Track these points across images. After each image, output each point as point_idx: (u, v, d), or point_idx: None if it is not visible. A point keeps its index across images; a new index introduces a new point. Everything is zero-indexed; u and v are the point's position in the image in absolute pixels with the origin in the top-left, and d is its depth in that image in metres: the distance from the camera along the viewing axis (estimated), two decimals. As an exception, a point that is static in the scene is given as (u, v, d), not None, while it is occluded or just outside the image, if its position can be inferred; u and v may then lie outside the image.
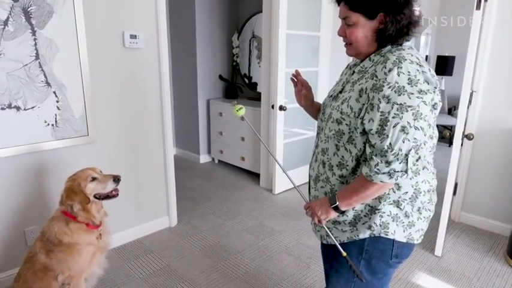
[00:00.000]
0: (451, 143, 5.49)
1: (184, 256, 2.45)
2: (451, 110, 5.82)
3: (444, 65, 5.82)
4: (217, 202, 3.28)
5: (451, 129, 5.68)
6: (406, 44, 1.09)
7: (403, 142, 0.98)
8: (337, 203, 1.14)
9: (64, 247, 1.72)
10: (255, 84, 4.31)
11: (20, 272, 1.79)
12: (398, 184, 1.09)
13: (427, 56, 6.26)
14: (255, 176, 3.92)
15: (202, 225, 2.86)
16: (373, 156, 1.03)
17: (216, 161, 4.51)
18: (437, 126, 5.79)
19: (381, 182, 1.03)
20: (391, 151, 0.99)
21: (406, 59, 0.99)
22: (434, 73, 1.04)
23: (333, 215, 1.18)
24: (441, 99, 1.06)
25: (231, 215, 3.02)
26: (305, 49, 3.56)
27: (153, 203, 2.74)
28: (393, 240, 1.15)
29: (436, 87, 1.00)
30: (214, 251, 2.51)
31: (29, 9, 1.89)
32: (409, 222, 1.14)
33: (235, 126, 4.05)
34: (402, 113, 0.96)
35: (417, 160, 1.02)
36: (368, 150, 1.05)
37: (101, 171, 1.83)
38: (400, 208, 1.13)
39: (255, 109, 3.72)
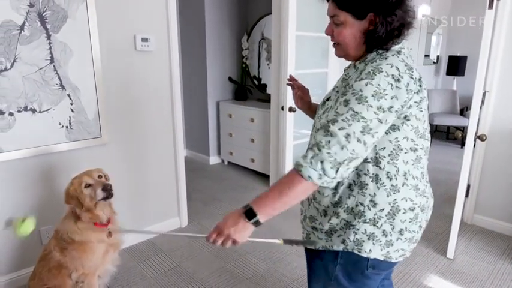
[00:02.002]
0: (463, 144, 5.43)
1: (194, 256, 2.47)
2: (463, 111, 5.75)
3: (456, 65, 5.76)
4: (227, 203, 3.30)
5: (463, 130, 5.62)
6: (395, 48, 1.02)
7: (342, 149, 0.92)
8: (257, 216, 0.99)
9: (76, 245, 1.75)
10: (265, 85, 4.33)
11: (35, 270, 1.84)
12: (373, 201, 1.03)
13: (438, 57, 6.20)
14: (264, 177, 3.93)
15: (212, 226, 2.85)
16: (311, 148, 0.96)
17: (226, 163, 4.53)
18: (448, 127, 5.75)
19: (309, 177, 0.94)
20: (328, 149, 0.92)
21: (382, 71, 0.93)
22: (418, 84, 0.97)
23: (250, 231, 1.03)
24: (427, 107, 1.03)
25: (241, 216, 3.02)
26: (314, 50, 3.56)
27: (164, 203, 2.77)
28: (367, 259, 1.07)
29: (406, 101, 0.94)
30: (224, 252, 2.53)
31: (44, 14, 1.94)
32: (387, 241, 1.06)
33: (245, 128, 4.07)
34: (353, 121, 0.92)
35: (345, 171, 0.95)
36: (310, 142, 1.01)
37: (99, 176, 1.77)
38: (377, 226, 1.05)
39: (265, 111, 3.73)
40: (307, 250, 1.25)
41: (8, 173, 2.00)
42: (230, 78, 4.46)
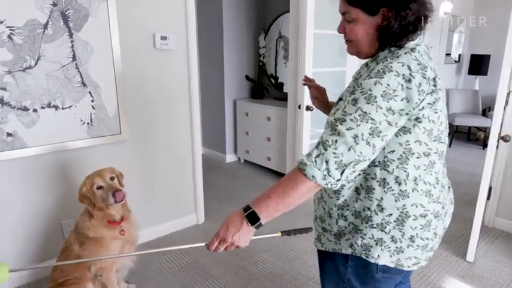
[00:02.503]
0: (485, 146, 5.29)
1: (210, 253, 2.49)
2: (485, 111, 5.60)
3: (479, 64, 5.61)
4: (243, 201, 3.31)
5: (485, 130, 5.48)
6: (409, 45, 0.97)
7: (348, 150, 0.88)
8: (260, 220, 0.96)
9: (92, 240, 1.79)
10: (281, 84, 4.32)
11: (57, 261, 1.89)
12: (380, 206, 1.00)
13: (460, 55, 6.05)
14: (280, 176, 3.93)
15: (228, 223, 2.89)
16: (316, 147, 0.92)
17: (242, 161, 4.55)
18: (469, 128, 5.62)
19: (313, 177, 0.90)
20: (335, 149, 0.88)
21: (392, 70, 0.89)
22: (431, 84, 0.92)
23: (252, 233, 1.00)
24: (443, 108, 0.97)
25: (257, 214, 3.04)
26: (332, 49, 3.53)
27: (181, 200, 2.80)
28: (376, 264, 1.04)
29: (417, 103, 0.90)
30: (240, 249, 2.53)
31: (66, 13, 1.98)
32: (397, 247, 1.02)
33: (261, 126, 4.07)
34: (362, 122, 0.88)
35: (351, 173, 0.91)
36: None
37: (112, 178, 1.78)
38: (385, 232, 1.01)
39: (281, 109, 3.73)
40: (319, 251, 1.23)
41: (32, 168, 2.06)
42: (247, 77, 4.47)
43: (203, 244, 1.06)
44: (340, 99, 1.08)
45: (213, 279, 2.21)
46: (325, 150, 0.90)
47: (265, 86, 4.45)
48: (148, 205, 2.60)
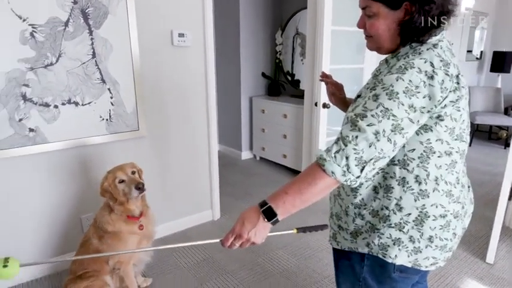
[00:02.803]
0: (506, 145, 5.15)
1: (226, 249, 2.50)
2: (508, 110, 5.45)
3: (501, 62, 5.45)
4: (258, 198, 3.29)
5: (507, 129, 5.33)
6: (432, 40, 0.94)
7: (369, 147, 0.87)
8: (277, 216, 0.95)
9: (111, 234, 1.82)
10: (298, 81, 4.30)
11: (76, 255, 1.93)
12: (399, 205, 0.98)
13: (481, 52, 5.90)
14: (296, 173, 3.91)
15: (243, 220, 2.91)
16: (336, 142, 0.90)
17: (258, 158, 4.55)
18: (491, 127, 5.48)
19: (332, 173, 0.88)
20: (355, 145, 0.87)
21: (414, 67, 0.87)
22: (455, 82, 0.90)
23: (268, 230, 0.99)
24: (466, 106, 0.94)
25: (272, 212, 3.04)
26: (350, 45, 3.49)
27: (197, 196, 2.82)
28: (393, 264, 1.02)
29: (440, 101, 0.88)
30: (255, 246, 2.54)
31: (86, 11, 2.02)
32: (415, 247, 1.00)
33: (277, 124, 4.07)
34: (383, 118, 0.86)
35: (371, 171, 0.90)
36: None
37: (133, 172, 1.81)
38: (403, 232, 0.99)
39: (298, 106, 3.71)
40: (334, 250, 1.22)
41: (53, 163, 2.11)
42: (263, 74, 4.46)
43: (217, 240, 1.04)
44: (359, 96, 1.06)
45: (228, 275, 2.23)
46: (345, 146, 0.88)
47: (281, 83, 4.44)
48: (165, 201, 2.63)
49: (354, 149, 0.87)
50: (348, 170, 0.88)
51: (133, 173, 1.82)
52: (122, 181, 1.77)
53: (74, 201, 2.23)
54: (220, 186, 3.04)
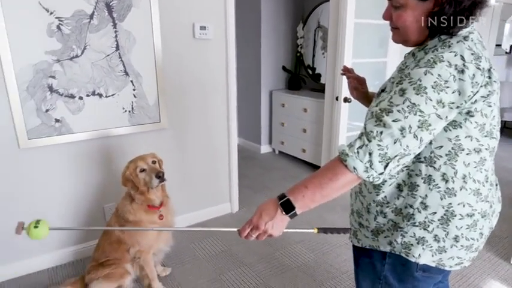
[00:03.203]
0: (536, 143, 4.96)
1: (244, 242, 2.52)
2: (538, 107, 5.24)
3: (532, 56, 5.23)
4: (276, 192, 3.28)
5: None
6: (462, 32, 0.90)
7: (394, 143, 0.84)
8: (295, 209, 0.94)
9: (132, 223, 1.86)
10: (319, 75, 4.25)
11: (99, 243, 1.99)
12: (424, 203, 0.95)
13: (511, 46, 5.66)
14: (315, 168, 3.89)
15: (262, 213, 2.92)
16: (359, 138, 0.88)
17: (277, 152, 4.54)
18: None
19: (354, 169, 0.86)
20: (380, 141, 0.84)
21: (443, 60, 0.83)
22: (486, 76, 0.85)
23: (286, 223, 0.98)
24: (497, 101, 0.90)
25: (291, 206, 3.04)
26: (372, 39, 3.42)
27: (216, 189, 2.85)
28: (417, 263, 1.00)
29: (470, 96, 0.84)
30: (273, 240, 2.55)
31: (111, 3, 2.05)
32: (440, 247, 0.98)
33: (297, 118, 4.04)
34: (410, 113, 0.83)
35: (395, 167, 0.87)
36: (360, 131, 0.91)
37: (153, 162, 1.84)
38: (428, 231, 0.97)
39: (318, 101, 3.67)
40: (354, 247, 1.20)
41: (77, 153, 2.16)
42: (284, 67, 4.43)
43: (235, 229, 1.05)
44: (383, 90, 1.03)
45: (246, 267, 2.24)
46: (369, 141, 0.85)
47: (302, 77, 4.40)
48: (185, 192, 2.67)
49: (378, 145, 0.85)
50: (370, 166, 0.86)
51: (153, 162, 1.85)
52: (142, 170, 1.80)
53: (97, 191, 2.29)
54: (239, 179, 3.05)
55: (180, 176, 2.61)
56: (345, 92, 3.15)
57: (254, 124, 4.59)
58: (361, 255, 1.16)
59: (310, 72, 4.35)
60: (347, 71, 1.40)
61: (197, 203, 2.76)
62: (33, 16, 1.85)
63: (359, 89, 1.39)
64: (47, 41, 1.92)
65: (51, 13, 1.89)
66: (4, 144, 1.94)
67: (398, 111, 0.84)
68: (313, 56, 4.27)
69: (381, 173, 0.87)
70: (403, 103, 0.84)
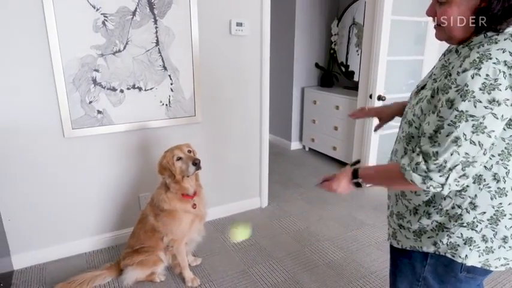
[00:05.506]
0: None
1: (272, 237, 2.55)
2: None
3: None
4: (306, 189, 3.32)
5: None
6: (509, 30, 0.87)
7: (451, 154, 0.84)
8: (360, 180, 1.10)
9: (166, 213, 1.93)
10: (352, 72, 4.20)
11: (134, 230, 2.08)
12: (473, 203, 0.94)
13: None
14: (345, 166, 3.85)
15: (291, 209, 2.94)
16: (418, 155, 0.91)
17: (307, 149, 4.54)
18: None
19: (412, 181, 0.91)
20: (435, 160, 0.87)
21: (491, 57, 0.81)
22: None
23: (350, 189, 1.14)
24: None
25: (320, 203, 3.04)
26: (408, 36, 3.34)
27: (247, 183, 2.89)
28: (462, 264, 1.00)
29: None
30: (302, 236, 2.57)
31: (153, 1, 2.12)
32: (487, 247, 0.97)
33: (328, 115, 4.02)
34: (460, 122, 0.82)
35: (460, 177, 0.87)
36: (417, 145, 0.95)
37: (189, 151, 1.92)
38: (476, 231, 0.96)
39: (351, 98, 3.63)
40: (392, 248, 1.20)
41: (117, 143, 2.26)
42: (317, 64, 4.41)
43: (317, 184, 1.26)
44: (423, 87, 1.02)
45: (274, 262, 2.28)
46: (426, 162, 0.89)
47: (334, 74, 4.36)
48: (216, 185, 2.73)
49: (435, 164, 0.88)
50: (428, 178, 0.89)
51: (189, 151, 1.92)
52: (179, 158, 1.87)
53: (133, 181, 2.39)
54: (269, 175, 3.08)
55: (211, 169, 2.67)
56: (379, 89, 3.10)
57: (285, 120, 4.60)
58: (400, 256, 1.16)
59: (343, 69, 4.31)
60: (357, 115, 1.47)
61: (227, 197, 2.82)
62: (80, 12, 1.95)
63: (383, 117, 1.42)
64: (93, 36, 2.01)
65: (97, 9, 1.98)
66: (51, 133, 2.06)
67: (449, 124, 0.85)
68: (347, 53, 4.22)
69: (443, 184, 0.89)
70: (451, 114, 0.84)
